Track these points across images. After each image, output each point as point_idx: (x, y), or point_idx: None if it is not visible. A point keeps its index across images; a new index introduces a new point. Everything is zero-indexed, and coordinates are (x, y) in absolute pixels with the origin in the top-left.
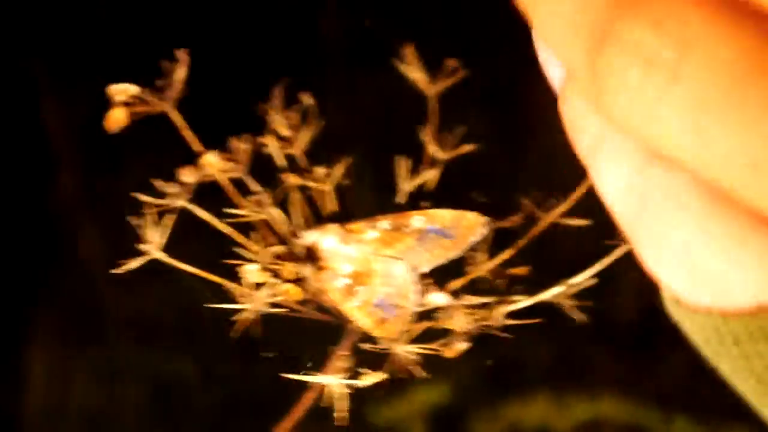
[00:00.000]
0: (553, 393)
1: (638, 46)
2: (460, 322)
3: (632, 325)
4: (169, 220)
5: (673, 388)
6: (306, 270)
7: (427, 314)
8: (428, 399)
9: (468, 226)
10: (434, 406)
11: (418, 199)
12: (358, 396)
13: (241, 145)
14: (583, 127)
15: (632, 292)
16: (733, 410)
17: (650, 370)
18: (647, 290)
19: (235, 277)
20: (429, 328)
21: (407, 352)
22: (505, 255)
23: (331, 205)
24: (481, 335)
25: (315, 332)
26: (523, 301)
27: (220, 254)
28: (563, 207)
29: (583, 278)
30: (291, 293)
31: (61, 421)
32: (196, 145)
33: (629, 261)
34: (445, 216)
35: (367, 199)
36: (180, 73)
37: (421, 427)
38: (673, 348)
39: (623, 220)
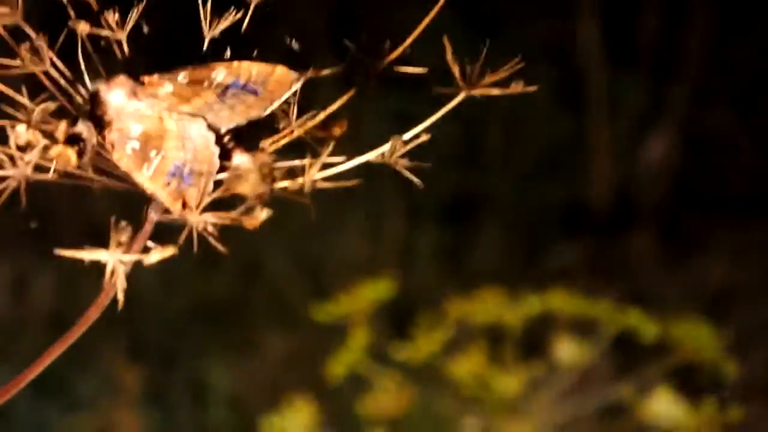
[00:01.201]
0: (503, 288)
1: None
2: (253, 184)
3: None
4: None
5: (625, 282)
6: (83, 128)
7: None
8: (374, 296)
9: (278, 81)
10: (380, 304)
11: (225, 48)
12: None
13: None
14: None
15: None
16: (685, 302)
17: (601, 263)
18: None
19: (4, 141)
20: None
21: (203, 222)
22: (322, 113)
23: (126, 56)
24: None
25: (103, 204)
26: (344, 163)
27: None
28: (395, 53)
29: (417, 132)
30: (64, 157)
31: None
32: None
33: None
34: (251, 69)
35: (168, 49)
36: None
37: (367, 325)
38: (628, 239)
39: None
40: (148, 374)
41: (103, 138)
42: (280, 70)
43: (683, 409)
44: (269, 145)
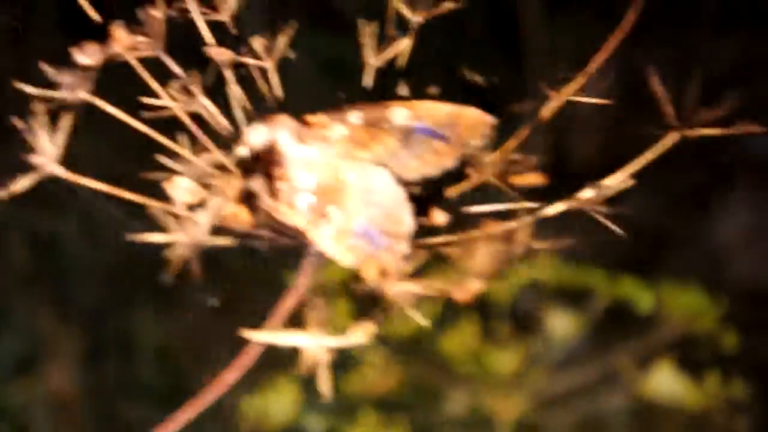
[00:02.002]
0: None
1: None
2: (483, 261)
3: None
4: (67, 121)
5: (617, 251)
6: (257, 183)
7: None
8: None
9: (469, 125)
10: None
11: (390, 79)
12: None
13: (155, 13)
14: None
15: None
16: (681, 269)
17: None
18: None
19: (158, 195)
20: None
21: (403, 293)
22: (512, 146)
23: (274, 89)
24: None
25: (271, 265)
26: (544, 209)
27: (136, 164)
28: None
29: (620, 179)
30: (239, 217)
31: None
32: (93, 13)
33: None
34: (435, 110)
35: (320, 79)
36: None
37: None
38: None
39: None
40: (78, 332)
41: (271, 190)
42: (471, 113)
43: (685, 385)
44: (457, 193)
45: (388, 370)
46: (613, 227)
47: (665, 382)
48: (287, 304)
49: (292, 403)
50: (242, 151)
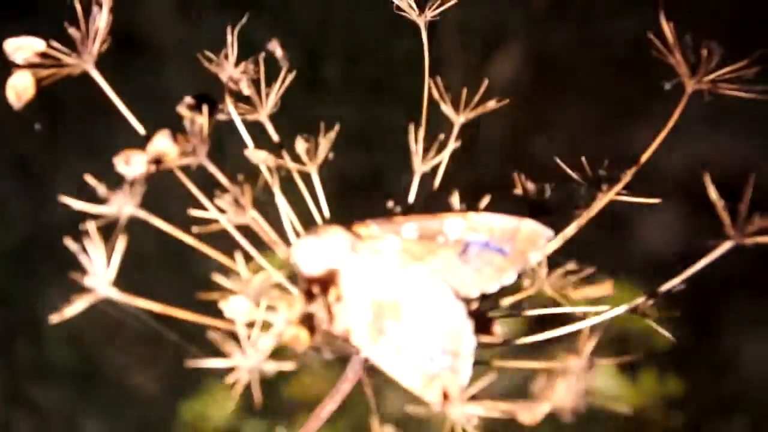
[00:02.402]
0: None
1: None
2: (565, 395)
3: None
4: (119, 239)
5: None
6: (317, 305)
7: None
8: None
9: (528, 239)
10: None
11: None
12: None
13: (196, 118)
14: None
15: None
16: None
17: None
18: None
19: (213, 314)
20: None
21: (469, 415)
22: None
23: (316, 196)
24: None
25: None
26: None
27: (187, 283)
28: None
29: (675, 283)
30: (300, 339)
31: None
32: (132, 119)
33: None
34: (492, 223)
35: (365, 185)
36: (102, 18)
37: None
38: None
39: None
40: None
41: (329, 310)
42: (529, 226)
43: (621, 382)
44: (510, 303)
45: (325, 376)
46: (665, 333)
47: (602, 381)
48: (327, 408)
49: (231, 408)
50: (299, 269)
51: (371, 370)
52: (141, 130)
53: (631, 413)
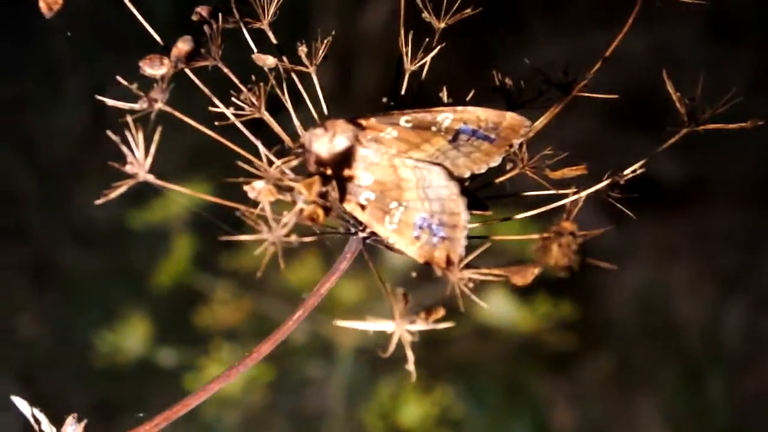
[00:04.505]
0: None
1: None
2: (557, 256)
3: None
4: (156, 133)
5: None
6: (332, 186)
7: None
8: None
9: (510, 127)
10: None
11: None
12: None
13: (211, 24)
14: None
15: None
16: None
17: None
18: None
19: (238, 197)
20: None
21: (465, 280)
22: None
23: (316, 94)
24: None
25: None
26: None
27: (210, 169)
28: (585, 80)
29: (635, 168)
30: (317, 215)
31: None
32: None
33: None
34: (478, 114)
35: (362, 84)
36: None
37: (189, 234)
38: None
39: None
40: None
41: (341, 190)
42: (512, 117)
43: (518, 309)
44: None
45: (236, 304)
46: (626, 212)
47: (498, 307)
48: (327, 283)
49: (145, 337)
50: (311, 154)
51: (369, 247)
52: (159, 39)
53: (526, 336)
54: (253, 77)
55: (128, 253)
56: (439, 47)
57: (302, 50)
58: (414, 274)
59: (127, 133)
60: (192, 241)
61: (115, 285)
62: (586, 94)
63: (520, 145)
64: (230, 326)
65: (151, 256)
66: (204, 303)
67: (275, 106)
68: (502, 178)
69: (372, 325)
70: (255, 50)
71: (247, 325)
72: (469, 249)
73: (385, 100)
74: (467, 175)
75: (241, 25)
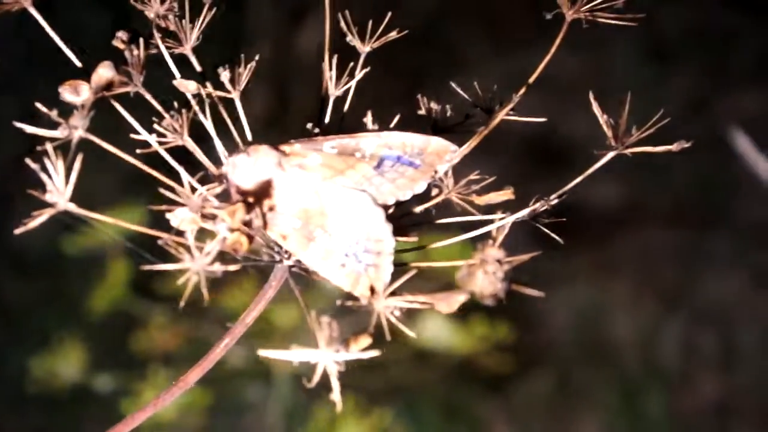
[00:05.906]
0: None
1: None
2: (484, 284)
3: None
4: (76, 160)
5: None
6: (255, 214)
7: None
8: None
9: (435, 152)
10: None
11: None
12: None
13: (132, 49)
14: None
15: None
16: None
17: None
18: None
19: (160, 226)
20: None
21: (391, 308)
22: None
23: (239, 119)
24: None
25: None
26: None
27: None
28: (511, 103)
29: (562, 192)
30: (240, 244)
31: None
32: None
33: None
34: (403, 140)
35: (297, 108)
36: None
37: (125, 258)
38: None
39: None
40: None
41: (263, 218)
42: (437, 142)
43: (455, 331)
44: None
45: (173, 329)
46: (555, 237)
47: (435, 329)
48: (254, 312)
49: (80, 363)
50: (232, 183)
51: (295, 275)
52: (78, 63)
53: (463, 358)
54: (176, 103)
55: (63, 279)
56: (363, 71)
57: (225, 76)
58: (338, 303)
59: (47, 161)
60: (127, 266)
61: (50, 311)
62: (513, 118)
63: (446, 170)
64: (167, 351)
65: (87, 281)
66: (141, 328)
67: (203, 133)
68: (427, 204)
69: (297, 354)
70: (178, 76)
71: (185, 350)
72: (397, 275)
73: (309, 125)
74: (392, 201)
75: (163, 50)
